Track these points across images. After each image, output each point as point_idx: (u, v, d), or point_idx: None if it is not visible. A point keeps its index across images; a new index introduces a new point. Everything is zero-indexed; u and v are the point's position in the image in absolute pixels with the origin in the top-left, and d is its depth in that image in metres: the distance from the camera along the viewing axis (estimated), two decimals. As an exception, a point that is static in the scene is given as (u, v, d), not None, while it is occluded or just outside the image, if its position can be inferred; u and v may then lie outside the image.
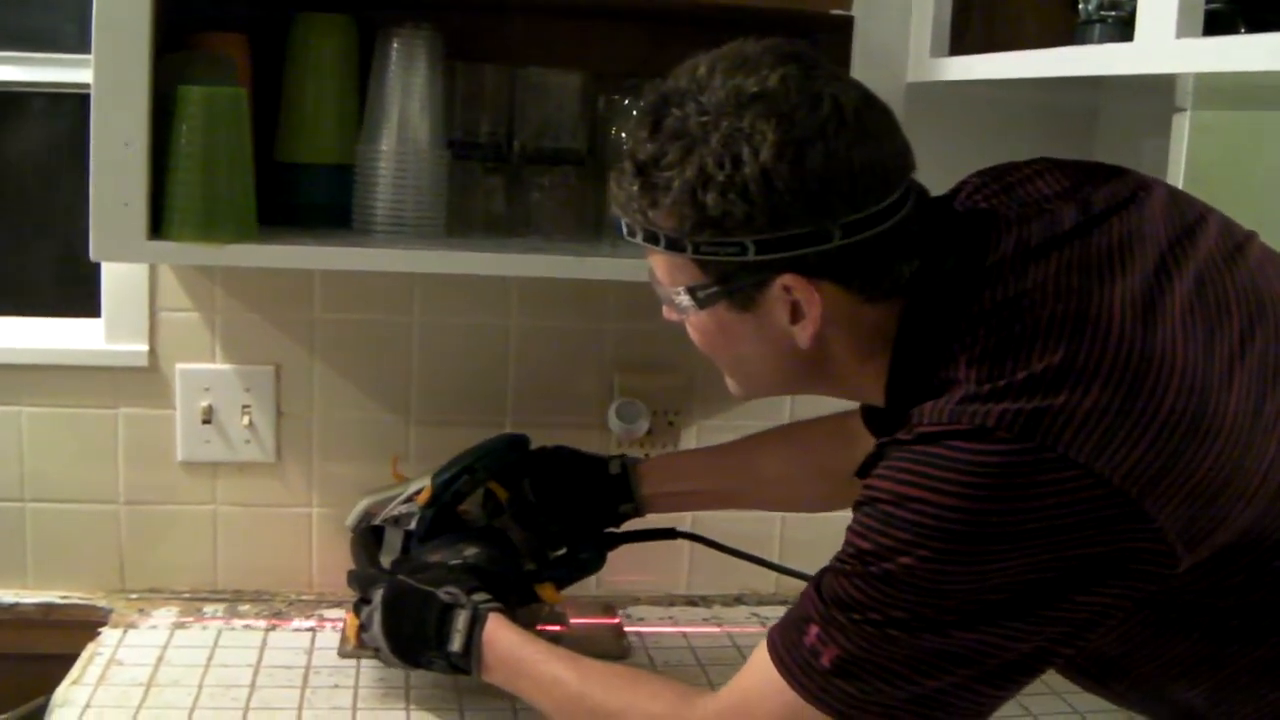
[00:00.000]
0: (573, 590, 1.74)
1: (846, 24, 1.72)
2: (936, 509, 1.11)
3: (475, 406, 1.96)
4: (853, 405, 1.58)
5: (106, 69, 1.53)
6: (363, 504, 1.76)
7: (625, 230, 1.27)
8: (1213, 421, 1.12)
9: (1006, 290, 1.18)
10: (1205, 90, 1.68)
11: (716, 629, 1.94)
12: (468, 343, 1.95)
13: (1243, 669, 1.24)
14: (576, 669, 1.43)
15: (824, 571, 1.21)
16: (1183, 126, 1.94)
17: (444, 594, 1.52)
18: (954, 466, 1.11)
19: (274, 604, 1.91)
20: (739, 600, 2.05)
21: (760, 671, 1.24)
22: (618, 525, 1.76)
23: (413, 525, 1.71)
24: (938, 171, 1.38)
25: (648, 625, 1.93)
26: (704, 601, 2.03)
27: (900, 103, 1.70)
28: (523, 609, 1.63)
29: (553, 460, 1.76)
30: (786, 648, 1.21)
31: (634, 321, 1.94)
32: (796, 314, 1.22)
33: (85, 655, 1.72)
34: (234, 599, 1.92)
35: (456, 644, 1.48)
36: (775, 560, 1.84)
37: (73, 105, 1.93)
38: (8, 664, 1.86)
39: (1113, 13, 1.54)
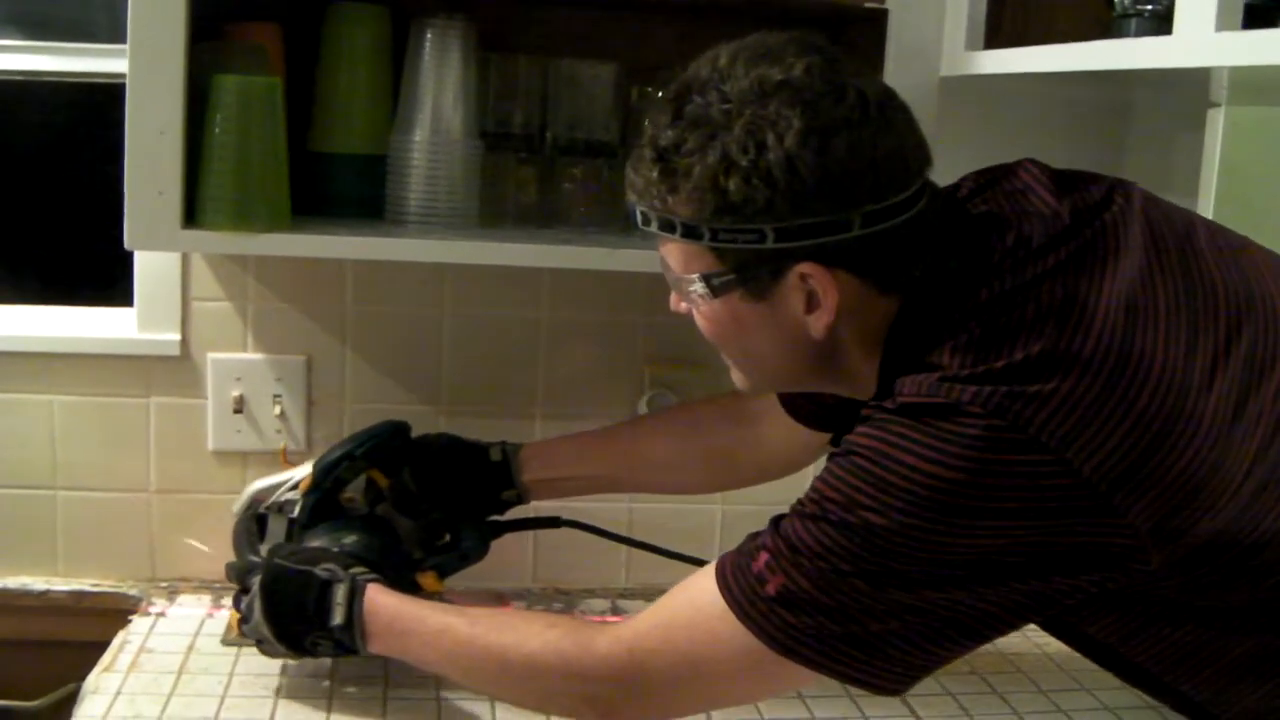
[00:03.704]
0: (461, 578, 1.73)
1: (881, 17, 1.72)
2: (909, 471, 1.13)
3: (506, 398, 1.96)
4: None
5: (141, 57, 1.53)
6: (249, 490, 1.75)
7: (640, 219, 1.27)
8: (1189, 421, 1.13)
9: (1003, 286, 1.19)
10: (1240, 85, 1.67)
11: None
12: (499, 334, 1.95)
13: (1234, 663, 1.25)
14: (464, 615, 1.41)
15: (783, 514, 1.22)
16: (1217, 122, 1.93)
17: (321, 570, 1.49)
18: (930, 434, 1.13)
19: (303, 593, 1.90)
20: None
21: (699, 592, 1.24)
22: (501, 513, 1.75)
23: (295, 513, 1.70)
24: (970, 166, 1.38)
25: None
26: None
27: (934, 97, 1.70)
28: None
29: (433, 447, 1.75)
30: (734, 571, 1.22)
31: (666, 314, 1.91)
32: (812, 303, 1.23)
33: (116, 643, 1.73)
34: (264, 588, 1.92)
35: (338, 617, 1.45)
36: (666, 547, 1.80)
37: (105, 95, 1.93)
38: (39, 651, 1.87)
39: (1148, 7, 1.53)
